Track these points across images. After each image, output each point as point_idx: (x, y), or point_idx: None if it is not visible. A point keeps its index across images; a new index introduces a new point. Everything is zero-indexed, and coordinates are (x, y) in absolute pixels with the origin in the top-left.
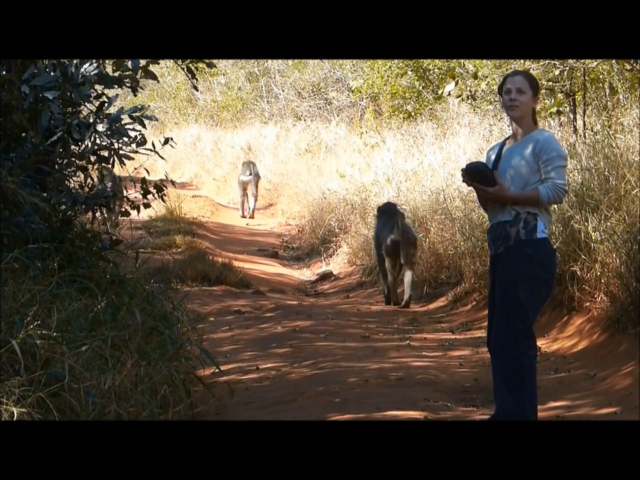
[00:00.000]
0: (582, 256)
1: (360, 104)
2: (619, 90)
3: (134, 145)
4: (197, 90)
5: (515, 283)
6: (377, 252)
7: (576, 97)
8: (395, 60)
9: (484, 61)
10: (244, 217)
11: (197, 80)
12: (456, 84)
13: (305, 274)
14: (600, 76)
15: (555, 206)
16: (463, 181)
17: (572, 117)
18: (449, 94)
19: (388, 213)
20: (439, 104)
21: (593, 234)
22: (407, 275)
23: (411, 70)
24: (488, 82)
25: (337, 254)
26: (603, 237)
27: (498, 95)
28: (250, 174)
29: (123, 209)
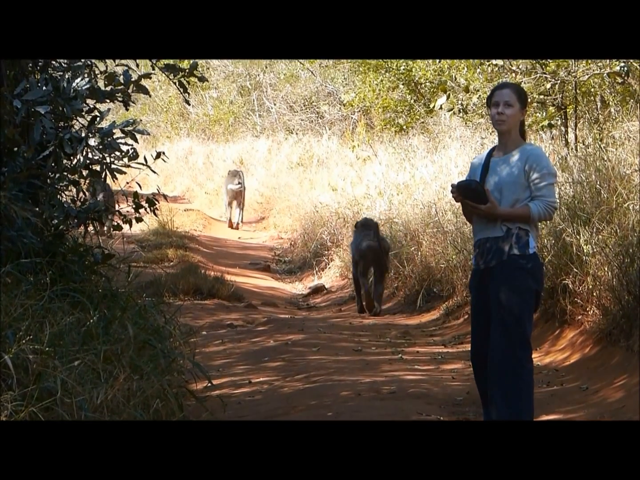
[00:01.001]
0: (574, 269)
1: (352, 118)
2: (610, 103)
3: (126, 160)
4: (189, 104)
5: (510, 296)
6: (352, 261)
7: (568, 110)
8: (387, 74)
9: (476, 74)
10: (231, 227)
11: (189, 94)
12: (448, 97)
13: (298, 287)
14: (592, 89)
15: None
16: (453, 197)
17: (563, 130)
18: (441, 108)
19: (365, 226)
20: (431, 117)
21: (585, 246)
22: (378, 285)
23: (403, 84)
24: (479, 95)
25: (329, 267)
26: (595, 250)
27: (487, 108)
28: (239, 183)
29: (115, 223)
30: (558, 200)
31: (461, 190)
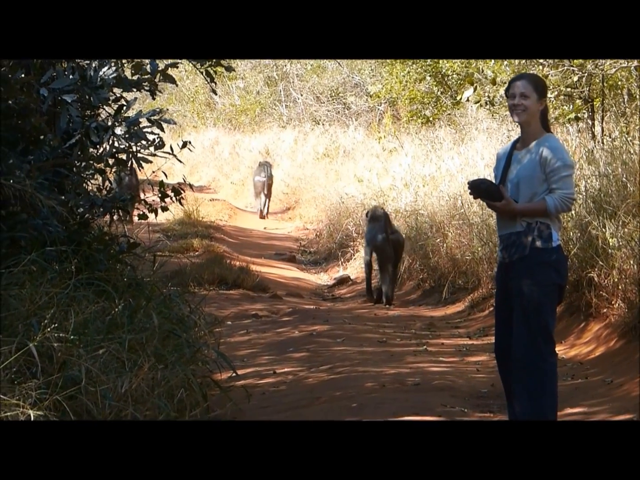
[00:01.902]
0: (600, 262)
1: (378, 109)
2: (637, 96)
3: (152, 149)
4: (216, 94)
5: (533, 290)
6: (365, 250)
7: (594, 103)
8: (414, 65)
9: (502, 67)
10: (261, 217)
11: (215, 84)
12: (474, 89)
13: (323, 278)
14: (619, 82)
15: (573, 212)
16: (470, 194)
17: (590, 123)
18: (467, 100)
19: (376, 217)
20: (457, 109)
21: (611, 240)
22: (392, 276)
23: (429, 76)
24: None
25: (355, 259)
26: (621, 243)
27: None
28: (266, 176)
29: (141, 212)
30: (575, 192)
31: (473, 190)
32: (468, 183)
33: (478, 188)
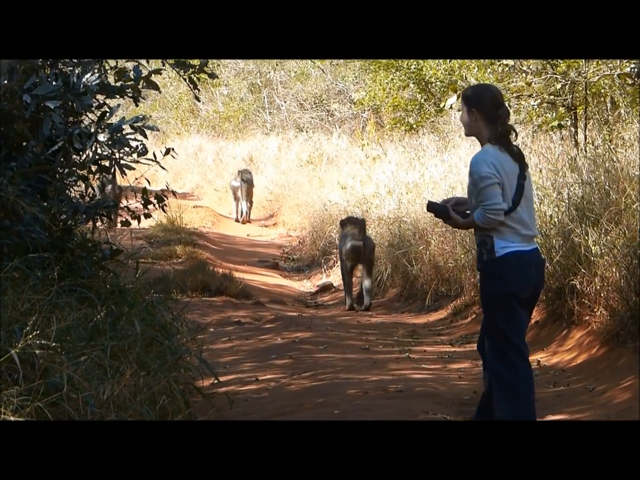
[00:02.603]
0: (582, 270)
1: (362, 116)
2: (620, 104)
3: (135, 155)
4: (200, 101)
5: (485, 301)
6: (340, 260)
7: (578, 111)
8: (397, 73)
9: (486, 74)
10: (237, 221)
11: (199, 90)
12: (458, 97)
13: (306, 285)
14: (602, 90)
15: (556, 219)
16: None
17: (573, 131)
18: (451, 107)
19: (350, 224)
20: (441, 116)
21: (593, 247)
22: (367, 281)
23: (413, 83)
24: None
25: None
26: (603, 250)
27: None
28: (241, 180)
29: (123, 219)
30: (499, 201)
31: (430, 211)
32: (427, 206)
33: (430, 208)
